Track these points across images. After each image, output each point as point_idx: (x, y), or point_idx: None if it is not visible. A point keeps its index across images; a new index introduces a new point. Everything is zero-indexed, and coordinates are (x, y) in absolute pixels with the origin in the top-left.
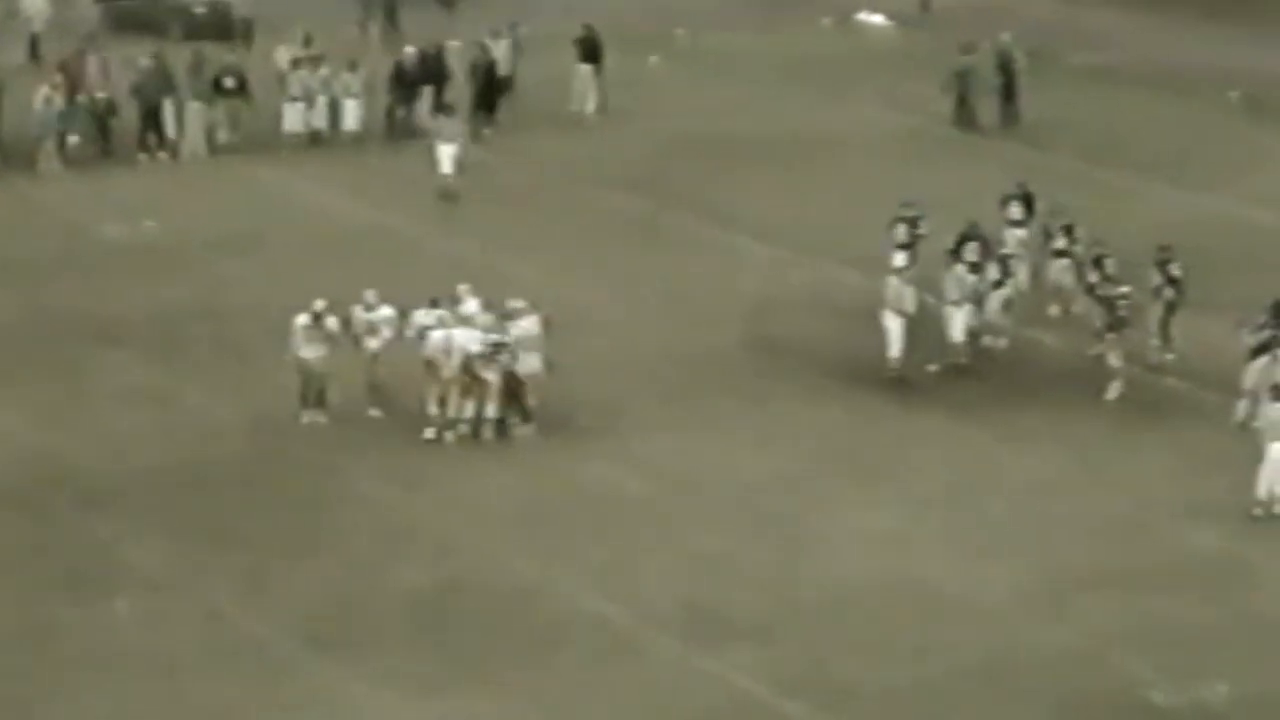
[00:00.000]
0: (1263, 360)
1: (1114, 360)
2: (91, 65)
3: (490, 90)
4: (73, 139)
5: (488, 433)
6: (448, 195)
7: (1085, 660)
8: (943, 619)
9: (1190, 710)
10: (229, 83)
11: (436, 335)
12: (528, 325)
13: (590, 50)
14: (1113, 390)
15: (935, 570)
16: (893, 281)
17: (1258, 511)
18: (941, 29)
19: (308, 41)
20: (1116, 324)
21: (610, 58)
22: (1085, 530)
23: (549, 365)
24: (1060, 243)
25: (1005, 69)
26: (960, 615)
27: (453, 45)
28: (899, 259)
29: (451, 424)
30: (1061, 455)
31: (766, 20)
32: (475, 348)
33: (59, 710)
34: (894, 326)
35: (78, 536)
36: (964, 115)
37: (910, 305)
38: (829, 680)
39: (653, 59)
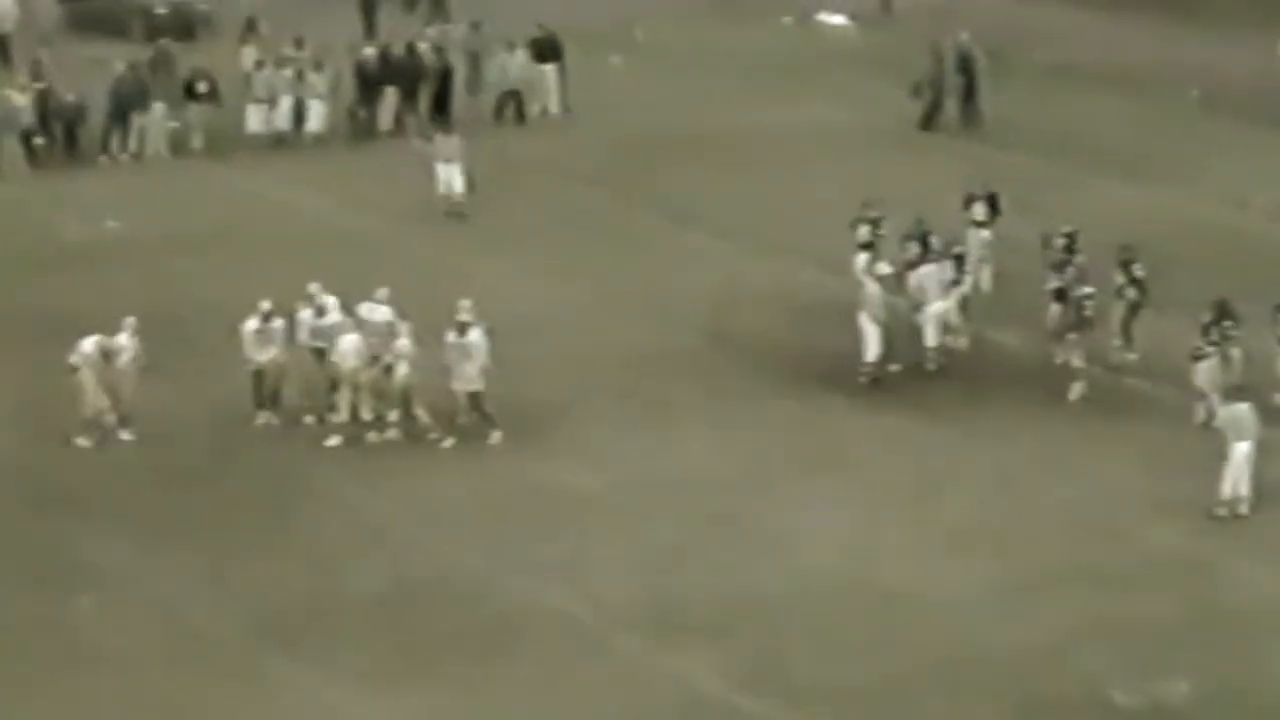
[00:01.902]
0: (1209, 362)
1: (1077, 360)
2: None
3: (446, 93)
4: (39, 140)
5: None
6: (455, 214)
7: (1046, 658)
8: (902, 617)
9: (1151, 709)
10: (201, 87)
11: (347, 340)
12: (476, 336)
13: (548, 50)
14: (1075, 391)
15: (895, 568)
16: (872, 287)
17: (1221, 511)
18: (902, 29)
19: (299, 44)
20: (1081, 324)
21: (570, 56)
22: (1046, 529)
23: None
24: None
25: (966, 68)
26: (920, 613)
27: (422, 46)
28: (861, 260)
29: (370, 425)
30: (1023, 454)
31: (727, 19)
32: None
33: (18, 708)
34: (872, 330)
35: (38, 534)
36: (935, 118)
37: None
38: (787, 678)
39: (614, 58)
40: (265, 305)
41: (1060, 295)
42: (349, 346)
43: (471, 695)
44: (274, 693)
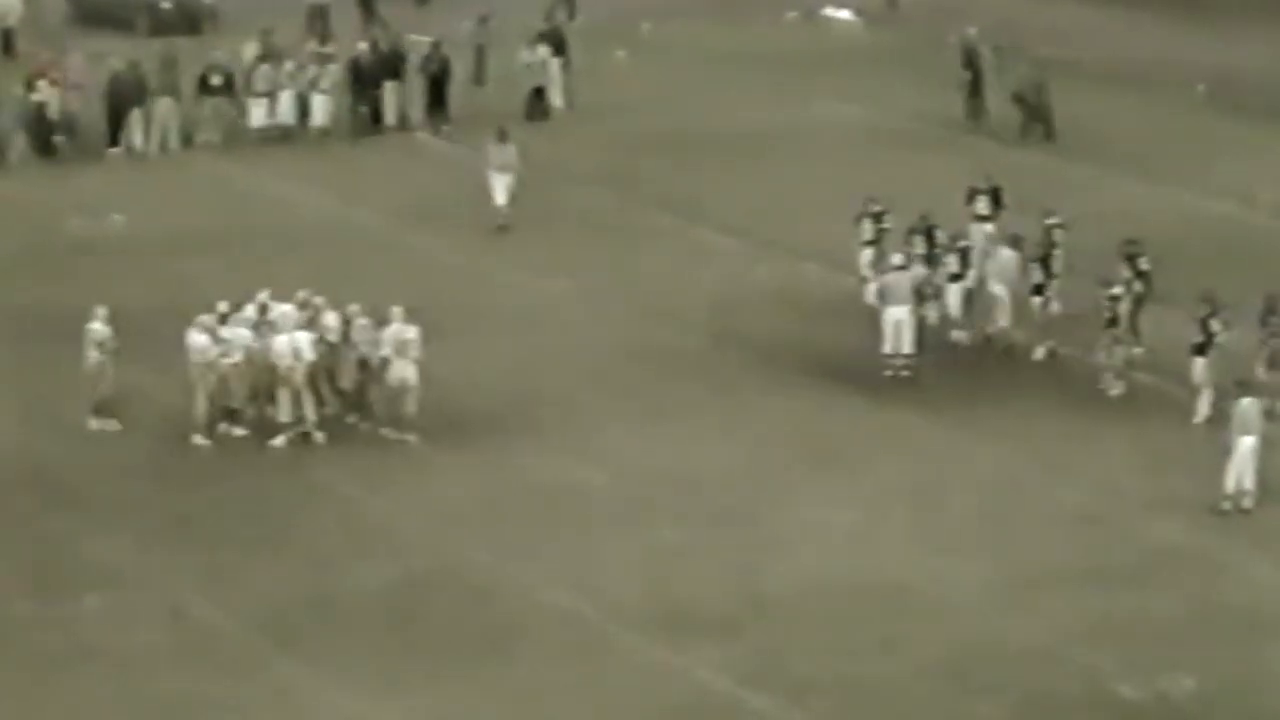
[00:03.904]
0: (1208, 357)
1: (1104, 357)
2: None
3: (440, 88)
4: (58, 138)
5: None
6: (501, 228)
7: (1050, 655)
8: (907, 614)
9: (1156, 704)
10: (215, 80)
11: (281, 340)
12: (399, 331)
13: (553, 43)
14: (1115, 387)
15: (899, 565)
16: (899, 278)
17: (1226, 505)
18: (908, 25)
19: (324, 40)
20: (1110, 322)
21: (576, 52)
22: (1050, 525)
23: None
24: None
25: (972, 64)
26: (924, 610)
27: (413, 40)
28: (867, 256)
29: (311, 425)
30: (1026, 450)
31: (733, 14)
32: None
33: (21, 707)
34: (908, 321)
35: (39, 532)
36: (1033, 127)
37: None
38: (792, 675)
39: (619, 53)
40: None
41: (1039, 289)
42: (283, 346)
43: (476, 694)
44: (277, 692)
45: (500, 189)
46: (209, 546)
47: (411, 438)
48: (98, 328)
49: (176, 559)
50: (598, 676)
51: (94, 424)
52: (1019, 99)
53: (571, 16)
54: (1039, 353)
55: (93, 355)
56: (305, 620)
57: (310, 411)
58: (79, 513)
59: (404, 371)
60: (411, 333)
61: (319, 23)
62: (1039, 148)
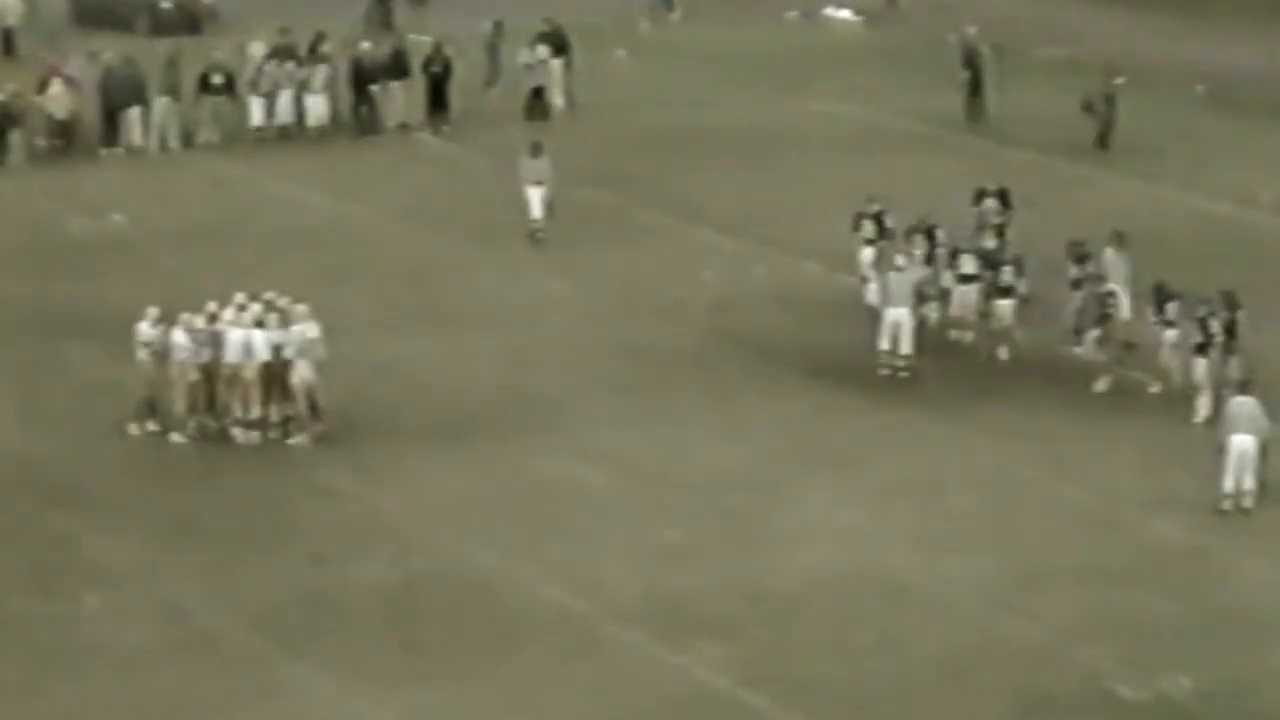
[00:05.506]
0: (1209, 357)
1: (1100, 354)
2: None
3: (440, 88)
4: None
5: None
6: (534, 239)
7: (1050, 653)
8: (907, 612)
9: (1155, 703)
10: (217, 80)
11: (235, 338)
12: (304, 330)
13: (554, 43)
14: (1102, 383)
15: (900, 563)
16: (898, 277)
17: (1226, 505)
18: (908, 24)
19: (319, 39)
20: (1102, 319)
21: (575, 51)
22: (1050, 524)
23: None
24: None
25: (971, 63)
26: (924, 609)
27: (416, 40)
28: (867, 255)
29: (257, 424)
30: (1027, 449)
31: (733, 14)
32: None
33: (20, 706)
34: (908, 323)
35: (39, 531)
36: (1108, 136)
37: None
38: (792, 673)
39: (619, 53)
40: (212, 306)
41: (1004, 290)
42: (235, 346)
43: (476, 692)
44: (278, 690)
45: (535, 202)
46: (209, 546)
47: (303, 439)
48: (145, 329)
49: (176, 559)
50: (597, 675)
51: (134, 429)
52: (1088, 108)
53: (670, 8)
54: (1003, 352)
55: (139, 356)
56: (305, 619)
57: (257, 411)
58: (79, 513)
59: (305, 372)
60: (314, 332)
61: (378, 15)
62: (1037, 148)
